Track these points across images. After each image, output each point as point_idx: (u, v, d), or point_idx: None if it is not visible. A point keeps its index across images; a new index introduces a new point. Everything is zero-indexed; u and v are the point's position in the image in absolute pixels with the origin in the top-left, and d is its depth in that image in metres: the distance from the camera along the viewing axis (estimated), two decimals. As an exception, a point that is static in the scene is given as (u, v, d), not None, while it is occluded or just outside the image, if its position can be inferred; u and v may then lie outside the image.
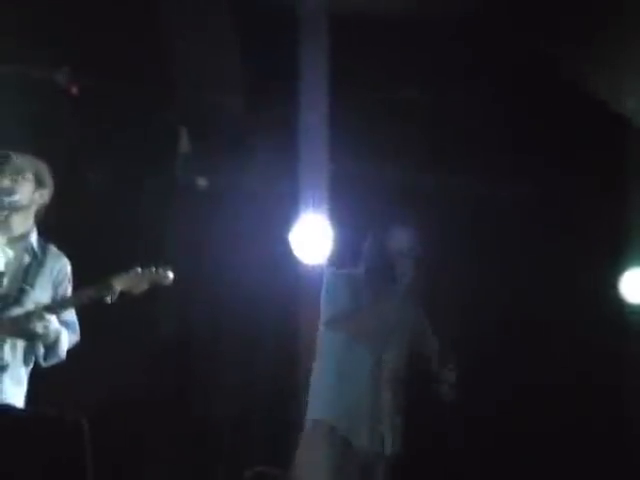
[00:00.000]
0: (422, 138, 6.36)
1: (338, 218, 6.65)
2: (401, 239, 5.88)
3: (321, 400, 5.84)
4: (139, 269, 5.21)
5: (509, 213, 6.67)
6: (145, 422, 6.63)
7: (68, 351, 5.29)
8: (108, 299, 5.13)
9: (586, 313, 6.74)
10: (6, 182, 5.14)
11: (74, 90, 6.29)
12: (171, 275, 5.27)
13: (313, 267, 6.67)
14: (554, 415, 6.76)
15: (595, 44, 5.53)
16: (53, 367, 5.32)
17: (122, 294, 5.14)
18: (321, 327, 5.87)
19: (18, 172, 5.19)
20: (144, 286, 5.24)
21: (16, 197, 5.15)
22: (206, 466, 6.40)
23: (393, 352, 5.83)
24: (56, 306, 5.22)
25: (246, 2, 5.68)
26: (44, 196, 5.28)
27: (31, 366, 5.26)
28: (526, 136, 6.17)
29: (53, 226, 5.35)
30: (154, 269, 5.26)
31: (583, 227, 6.74)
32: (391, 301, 5.79)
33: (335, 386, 5.81)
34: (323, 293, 5.90)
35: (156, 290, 5.27)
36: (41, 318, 5.10)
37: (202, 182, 6.92)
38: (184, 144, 6.77)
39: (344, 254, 6.41)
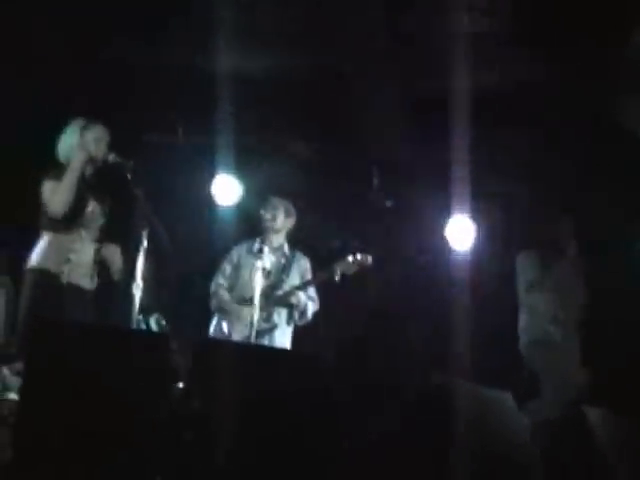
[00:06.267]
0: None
1: (476, 219, 7.92)
2: (569, 223, 7.46)
3: (530, 330, 7.36)
4: (351, 257, 6.96)
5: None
6: (365, 353, 7.57)
7: (313, 314, 7.13)
8: (334, 279, 6.96)
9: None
10: (268, 215, 7.09)
11: (307, 153, 8.04)
12: (371, 259, 6.95)
13: (462, 251, 8.02)
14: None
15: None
16: (304, 325, 7.15)
17: (342, 275, 6.92)
18: (522, 290, 7.36)
19: (275, 208, 7.13)
20: (355, 268, 6.95)
21: (272, 224, 7.08)
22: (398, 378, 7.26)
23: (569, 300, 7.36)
24: (302, 286, 7.06)
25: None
26: (291, 222, 7.19)
27: (292, 325, 7.11)
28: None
29: (301, 239, 7.30)
30: (360, 255, 6.95)
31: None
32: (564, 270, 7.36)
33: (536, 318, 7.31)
34: (518, 267, 7.38)
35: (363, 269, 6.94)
36: (294, 294, 7.01)
37: (389, 203, 8.30)
38: (377, 180, 8.13)
39: (480, 242, 7.97)
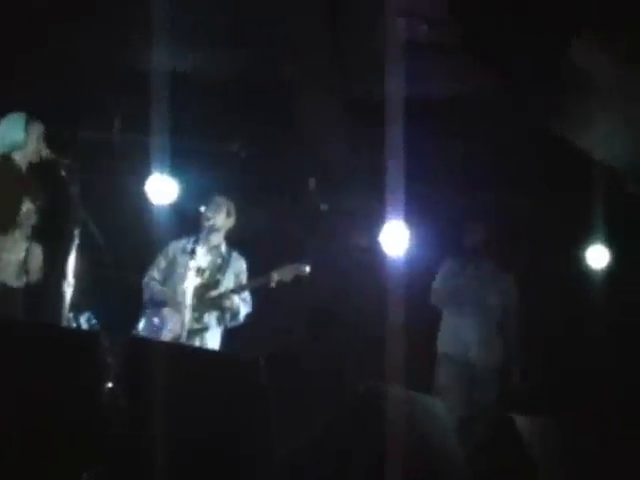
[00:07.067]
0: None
1: (411, 224, 7.93)
2: (483, 231, 7.62)
3: (443, 341, 7.59)
4: (288, 265, 6.96)
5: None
6: (298, 357, 8.16)
7: (244, 317, 7.09)
8: (269, 285, 6.96)
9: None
10: (209, 213, 6.98)
11: (243, 155, 8.02)
12: (308, 268, 7.00)
13: (395, 257, 8.03)
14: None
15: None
16: (234, 327, 7.14)
17: (278, 281, 6.93)
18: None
19: (217, 207, 7.07)
20: (291, 276, 6.98)
21: (213, 222, 7.01)
22: (331, 383, 7.86)
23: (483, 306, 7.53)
24: (237, 290, 7.05)
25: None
26: (231, 222, 7.14)
27: (222, 327, 7.08)
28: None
29: (237, 240, 7.24)
30: (297, 265, 6.99)
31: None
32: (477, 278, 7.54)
33: (447, 333, 7.56)
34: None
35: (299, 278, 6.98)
36: (228, 297, 7.00)
37: (323, 207, 8.40)
38: (312, 184, 8.27)
39: (415, 247, 7.98)
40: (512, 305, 7.62)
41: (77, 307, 6.14)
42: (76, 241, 5.68)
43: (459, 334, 7.52)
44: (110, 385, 4.57)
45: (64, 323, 5.66)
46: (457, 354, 7.51)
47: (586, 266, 8.13)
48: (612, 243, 8.05)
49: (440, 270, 7.72)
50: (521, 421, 5.68)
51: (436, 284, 7.69)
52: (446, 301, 7.63)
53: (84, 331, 6.03)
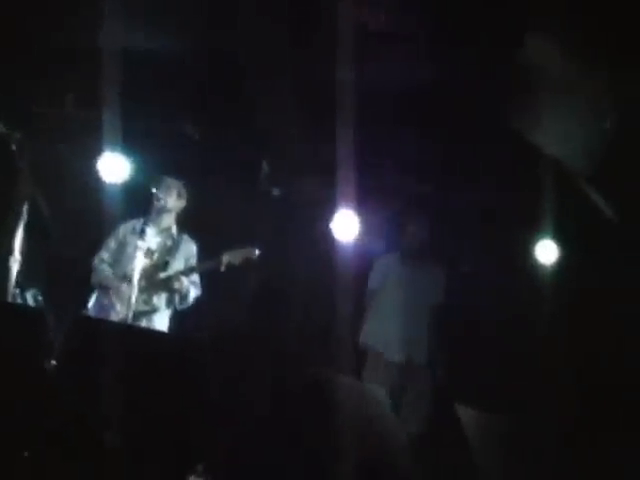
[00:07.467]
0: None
1: (360, 213, 7.82)
2: (416, 226, 7.66)
3: (375, 338, 7.57)
4: (238, 248, 6.97)
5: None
6: (245, 341, 6.93)
7: (194, 299, 7.14)
8: (219, 267, 6.98)
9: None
10: (160, 194, 6.98)
11: (196, 137, 8.00)
12: (257, 252, 7.01)
13: (346, 242, 7.91)
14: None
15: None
16: (183, 310, 7.15)
17: (228, 264, 6.95)
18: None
19: (167, 188, 7.07)
20: (240, 259, 6.98)
21: (164, 204, 7.03)
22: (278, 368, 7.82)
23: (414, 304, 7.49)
24: (187, 272, 7.04)
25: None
26: (181, 203, 7.14)
27: (171, 309, 7.09)
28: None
29: (188, 222, 7.22)
30: (247, 248, 6.99)
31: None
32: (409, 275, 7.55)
33: (380, 330, 7.53)
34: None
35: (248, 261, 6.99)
36: (178, 279, 7.00)
37: (276, 191, 8.37)
38: (264, 168, 8.24)
39: (364, 234, 7.87)
40: (443, 302, 7.64)
41: (23, 283, 6.09)
42: (24, 217, 5.65)
43: (392, 332, 7.52)
44: (54, 363, 4.61)
45: (9, 299, 5.64)
46: (389, 352, 7.52)
47: (534, 261, 8.10)
48: (561, 238, 8.05)
49: (376, 265, 7.75)
50: (465, 418, 5.71)
51: (371, 280, 7.71)
52: (380, 298, 7.63)
53: (29, 307, 6.00)
